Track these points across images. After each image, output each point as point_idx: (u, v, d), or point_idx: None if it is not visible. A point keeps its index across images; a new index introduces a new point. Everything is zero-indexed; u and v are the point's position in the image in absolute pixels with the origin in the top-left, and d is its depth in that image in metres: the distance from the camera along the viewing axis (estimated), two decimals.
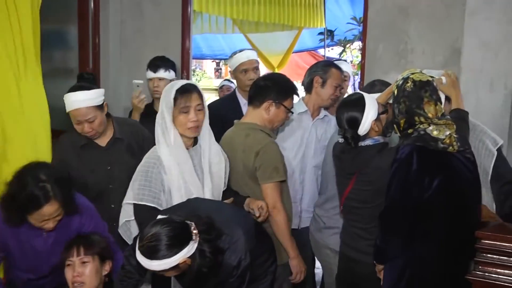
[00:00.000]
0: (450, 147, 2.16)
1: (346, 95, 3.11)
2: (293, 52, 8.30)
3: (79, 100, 2.68)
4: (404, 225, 2.15)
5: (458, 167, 2.22)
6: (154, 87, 3.50)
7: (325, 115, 3.29)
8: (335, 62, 3.46)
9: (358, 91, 3.03)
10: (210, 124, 2.64)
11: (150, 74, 3.51)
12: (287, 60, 8.14)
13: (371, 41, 3.43)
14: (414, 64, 3.29)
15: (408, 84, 2.24)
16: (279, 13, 6.92)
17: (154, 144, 2.47)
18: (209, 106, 3.05)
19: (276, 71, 8.07)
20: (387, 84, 2.76)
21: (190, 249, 1.95)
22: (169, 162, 2.43)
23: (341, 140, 2.58)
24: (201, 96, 2.42)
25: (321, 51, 8.73)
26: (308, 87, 3.22)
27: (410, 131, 2.21)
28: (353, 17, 7.17)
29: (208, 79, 10.39)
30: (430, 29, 3.26)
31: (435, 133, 2.17)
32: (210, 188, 2.51)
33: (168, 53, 3.90)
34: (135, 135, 2.98)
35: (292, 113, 2.80)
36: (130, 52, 3.97)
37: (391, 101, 2.41)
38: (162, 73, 3.50)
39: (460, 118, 2.50)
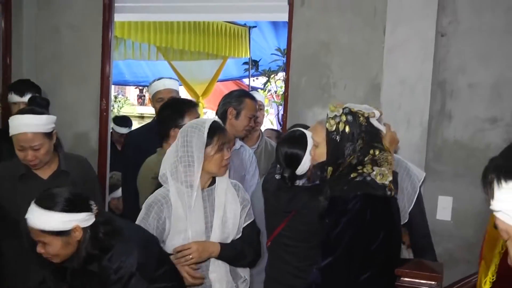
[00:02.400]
0: (392, 192, 2.08)
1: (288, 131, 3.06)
2: (218, 81, 8.29)
3: (27, 124, 2.48)
4: (349, 277, 1.99)
5: (396, 214, 2.19)
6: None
7: (241, 146, 3.26)
8: (250, 92, 3.46)
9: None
10: (132, 153, 2.54)
11: (15, 98, 3.30)
12: (212, 88, 8.10)
13: (294, 74, 3.45)
14: (336, 98, 3.34)
15: (362, 119, 2.14)
16: (204, 42, 6.88)
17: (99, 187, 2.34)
18: (130, 134, 2.94)
19: (201, 99, 8.03)
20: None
21: (86, 219, 1.97)
22: (177, 203, 2.26)
23: (278, 176, 2.52)
24: None
25: (246, 81, 8.77)
26: (222, 118, 3.19)
27: (354, 175, 2.05)
28: (278, 48, 7.26)
29: (130, 106, 10.14)
30: (351, 64, 3.33)
31: (379, 178, 2.05)
32: (218, 236, 2.33)
33: (87, 79, 3.76)
34: (82, 172, 2.81)
35: None
36: (46, 78, 3.76)
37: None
38: (28, 97, 3.28)
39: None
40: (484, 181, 1.22)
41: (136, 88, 10.04)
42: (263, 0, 3.49)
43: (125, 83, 8.95)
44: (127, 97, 10.43)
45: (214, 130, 2.28)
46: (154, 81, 3.76)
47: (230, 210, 2.36)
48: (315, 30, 3.38)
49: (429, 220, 3.18)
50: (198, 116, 2.84)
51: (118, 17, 3.84)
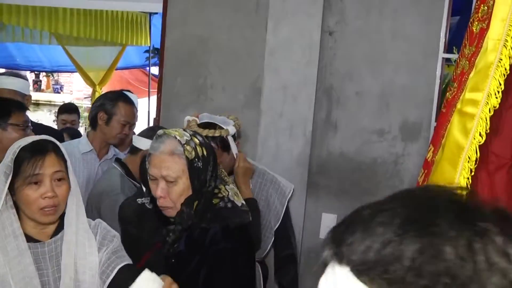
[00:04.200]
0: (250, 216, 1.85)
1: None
2: (118, 69, 7.74)
3: None
4: None
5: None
6: None
7: (114, 155, 2.86)
8: (126, 93, 3.02)
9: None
10: None
11: None
12: (110, 76, 7.56)
13: (168, 73, 3.04)
14: (214, 102, 2.98)
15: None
16: (97, 29, 6.34)
17: None
18: None
19: (98, 88, 7.47)
20: None
21: None
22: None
23: (141, 200, 2.07)
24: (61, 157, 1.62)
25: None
26: (93, 123, 2.78)
27: (215, 201, 1.77)
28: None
29: None
30: (231, 65, 2.97)
31: (236, 198, 1.80)
32: None
33: None
34: None
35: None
36: None
37: None
38: None
39: (254, 209, 2.20)
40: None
41: (31, 72, 9.23)
42: None
43: (16, 67, 8.14)
44: None
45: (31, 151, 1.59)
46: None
47: (83, 266, 1.61)
48: (192, 24, 2.99)
49: (312, 239, 2.93)
50: (24, 121, 2.38)
51: None
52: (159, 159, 1.74)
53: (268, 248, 2.39)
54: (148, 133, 2.44)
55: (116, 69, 7.62)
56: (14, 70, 7.99)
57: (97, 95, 7.48)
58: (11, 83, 3.13)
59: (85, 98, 9.86)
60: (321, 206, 2.95)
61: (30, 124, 2.45)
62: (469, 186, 1.41)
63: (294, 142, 2.86)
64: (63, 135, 3.48)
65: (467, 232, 0.57)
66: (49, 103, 8.97)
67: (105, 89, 8.21)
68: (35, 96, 9.28)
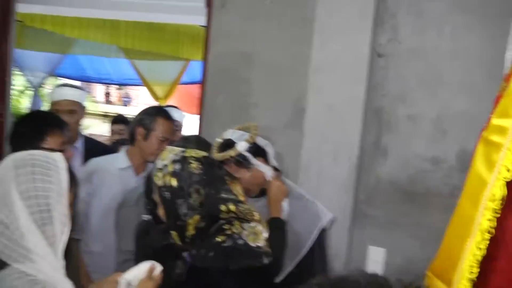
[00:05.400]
0: (270, 257, 1.65)
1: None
2: (182, 83, 7.78)
3: None
4: None
5: None
6: None
7: None
8: (166, 109, 2.93)
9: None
10: None
11: None
12: (174, 91, 7.60)
13: (210, 90, 2.92)
14: (256, 121, 2.78)
15: (194, 165, 1.65)
16: (163, 43, 6.38)
17: None
18: None
19: (162, 102, 7.54)
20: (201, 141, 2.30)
21: None
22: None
23: (148, 217, 2.00)
24: None
25: None
26: (131, 138, 2.70)
27: (221, 238, 1.60)
28: None
29: (94, 104, 9.61)
30: (275, 82, 2.80)
31: (251, 239, 1.61)
32: None
33: None
34: None
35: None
36: None
37: None
38: None
39: (277, 228, 2.04)
40: None
41: (103, 85, 9.51)
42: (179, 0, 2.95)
43: (88, 79, 8.43)
44: (92, 94, 9.87)
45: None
46: (57, 86, 3.23)
47: None
48: (235, 39, 2.86)
49: None
50: (64, 140, 2.25)
51: (22, 8, 3.30)
52: None
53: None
54: (179, 143, 2.32)
55: (181, 84, 7.63)
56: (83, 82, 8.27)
57: None
58: (72, 94, 3.13)
59: None
60: (367, 238, 2.71)
61: (67, 144, 2.30)
62: (493, 230, 1.15)
63: (338, 167, 2.64)
64: (112, 149, 3.48)
65: None
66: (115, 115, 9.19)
67: (170, 103, 8.31)
68: (105, 108, 9.55)
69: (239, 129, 2.24)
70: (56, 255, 1.39)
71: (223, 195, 1.62)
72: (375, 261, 2.71)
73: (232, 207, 1.60)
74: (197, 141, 2.31)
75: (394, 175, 2.66)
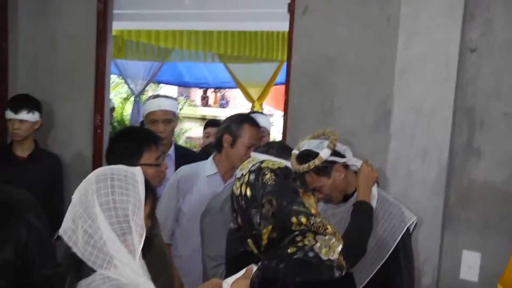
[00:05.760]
0: (343, 271, 1.61)
1: None
2: (277, 84, 7.86)
3: None
4: None
5: None
6: (14, 129, 3.13)
7: None
8: (252, 115, 2.98)
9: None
10: None
11: (10, 115, 3.14)
12: (268, 92, 7.71)
13: (295, 94, 2.94)
14: (340, 124, 2.80)
15: (268, 176, 1.66)
16: (257, 48, 6.52)
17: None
18: None
19: (256, 104, 7.66)
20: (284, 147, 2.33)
21: None
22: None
23: (233, 225, 2.04)
24: None
25: None
26: (218, 146, 2.77)
27: (292, 250, 1.59)
28: None
29: (192, 107, 9.96)
30: (360, 85, 2.77)
31: (324, 251, 1.59)
32: None
33: (82, 93, 3.51)
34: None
35: None
36: (42, 92, 3.54)
37: None
38: (24, 115, 3.10)
39: (362, 211, 2.07)
40: None
41: (200, 88, 9.84)
42: (262, 7, 3.00)
43: (186, 85, 8.79)
44: (186, 99, 10.23)
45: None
46: (149, 98, 3.40)
47: None
48: (319, 42, 2.86)
49: (450, 279, 2.60)
50: (159, 154, 2.26)
51: (117, 25, 3.53)
52: None
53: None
54: (263, 149, 2.36)
55: (275, 85, 7.72)
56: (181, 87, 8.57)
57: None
58: (167, 104, 3.27)
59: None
60: (461, 242, 2.60)
61: (161, 157, 2.32)
62: None
63: (427, 170, 2.56)
64: (201, 156, 3.58)
65: None
66: (214, 117, 9.42)
67: (270, 104, 8.44)
68: (202, 111, 9.86)
69: (314, 138, 2.25)
70: (136, 262, 1.49)
71: (295, 207, 1.61)
72: (470, 266, 2.59)
73: (303, 219, 1.60)
74: (280, 148, 2.35)
75: (488, 176, 2.53)
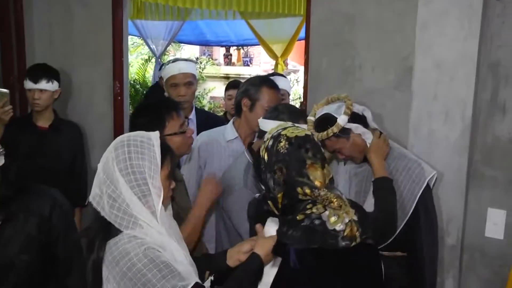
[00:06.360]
0: (353, 242, 1.60)
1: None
2: (300, 39, 7.73)
3: None
4: None
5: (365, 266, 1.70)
6: (34, 99, 3.11)
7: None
8: (271, 77, 2.94)
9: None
10: None
11: (30, 85, 3.12)
12: (291, 48, 7.59)
13: (314, 54, 2.88)
14: (362, 83, 2.75)
15: (282, 144, 1.66)
16: (279, 2, 6.37)
17: None
18: None
19: (280, 60, 7.57)
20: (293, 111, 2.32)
21: None
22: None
23: (259, 197, 2.02)
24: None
25: None
26: (237, 110, 2.75)
27: (300, 217, 1.62)
28: None
29: (215, 66, 9.86)
30: (380, 42, 2.69)
31: (333, 220, 1.60)
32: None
33: (99, 60, 3.50)
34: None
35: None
36: (59, 59, 3.54)
37: None
38: (43, 84, 3.10)
39: (382, 188, 2.07)
40: None
41: (222, 47, 9.73)
42: None
43: (207, 43, 8.71)
44: (209, 58, 10.13)
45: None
46: (168, 62, 3.38)
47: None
48: (338, 0, 2.77)
49: (476, 237, 2.58)
50: (181, 121, 2.23)
51: None
52: None
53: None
54: (271, 114, 2.34)
55: (298, 40, 7.58)
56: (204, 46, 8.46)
57: (279, 67, 7.59)
58: (187, 67, 3.24)
59: (272, 70, 10.11)
60: (486, 200, 2.56)
61: (187, 122, 2.35)
62: None
63: (450, 128, 2.51)
64: (222, 120, 3.58)
65: None
66: (238, 76, 9.35)
67: (289, 60, 8.30)
68: (226, 70, 9.78)
69: (328, 103, 2.21)
70: (157, 222, 1.60)
71: (300, 179, 1.63)
72: (495, 223, 2.56)
73: (307, 190, 1.62)
74: (289, 111, 2.32)
75: None
